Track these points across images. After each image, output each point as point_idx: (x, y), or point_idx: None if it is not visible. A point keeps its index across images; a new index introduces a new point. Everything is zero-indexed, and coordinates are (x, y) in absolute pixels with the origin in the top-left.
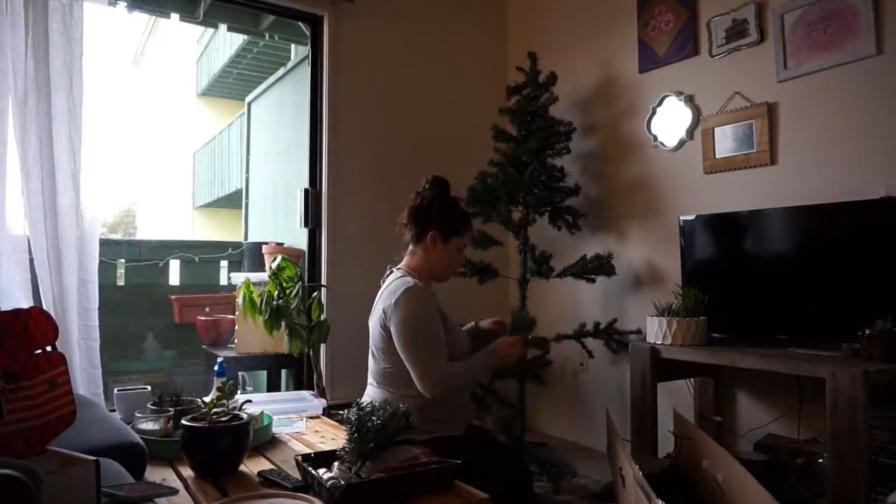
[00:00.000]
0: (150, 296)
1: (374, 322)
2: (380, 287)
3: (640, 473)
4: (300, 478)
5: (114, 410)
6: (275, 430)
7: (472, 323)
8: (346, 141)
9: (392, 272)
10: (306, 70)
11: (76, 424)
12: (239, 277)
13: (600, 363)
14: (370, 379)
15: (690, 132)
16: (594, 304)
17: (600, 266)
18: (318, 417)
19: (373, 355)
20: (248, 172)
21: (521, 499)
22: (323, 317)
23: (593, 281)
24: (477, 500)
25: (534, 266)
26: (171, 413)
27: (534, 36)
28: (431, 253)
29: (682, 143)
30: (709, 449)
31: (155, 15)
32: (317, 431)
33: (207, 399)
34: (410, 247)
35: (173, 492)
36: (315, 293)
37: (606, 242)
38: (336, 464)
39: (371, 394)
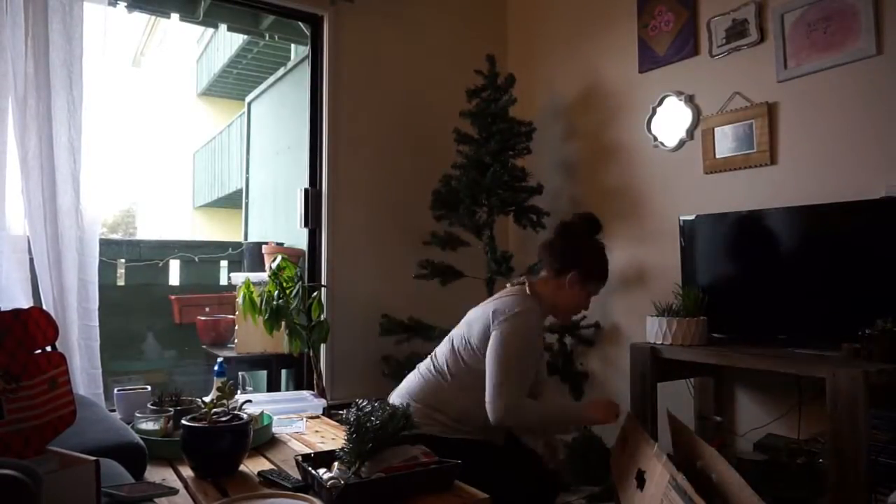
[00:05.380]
0: (150, 296)
1: (476, 317)
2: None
3: (684, 479)
4: (300, 478)
5: (114, 410)
6: (275, 430)
7: None
8: (346, 141)
9: (511, 285)
10: (306, 70)
11: (76, 424)
12: (239, 277)
13: (600, 363)
14: (425, 368)
15: (690, 132)
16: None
17: None
18: (318, 417)
19: (451, 343)
20: (248, 172)
21: None
22: (323, 317)
23: None
24: (477, 500)
25: (493, 266)
26: (171, 413)
27: (533, 36)
28: (566, 291)
29: (682, 143)
30: (700, 449)
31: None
32: (317, 431)
33: (207, 399)
34: (544, 273)
35: (173, 492)
36: (315, 293)
37: (605, 242)
38: (336, 464)
39: (413, 381)
